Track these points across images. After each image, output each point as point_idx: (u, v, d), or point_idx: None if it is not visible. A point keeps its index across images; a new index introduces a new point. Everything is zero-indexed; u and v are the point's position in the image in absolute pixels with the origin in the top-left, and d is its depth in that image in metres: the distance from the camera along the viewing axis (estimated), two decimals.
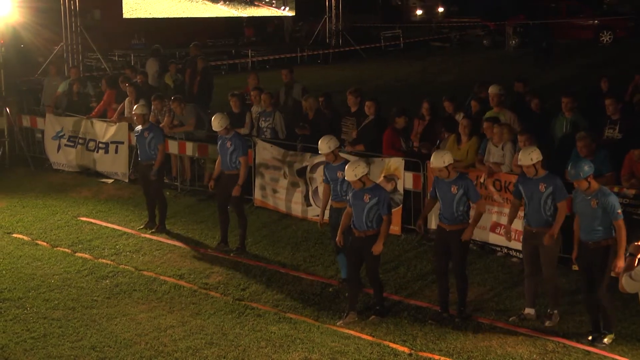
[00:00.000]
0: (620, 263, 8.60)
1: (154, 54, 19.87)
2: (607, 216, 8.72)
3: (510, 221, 10.07)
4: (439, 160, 9.62)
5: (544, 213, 9.42)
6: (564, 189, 9.38)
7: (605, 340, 8.86)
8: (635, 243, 7.14)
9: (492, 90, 12.91)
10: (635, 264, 6.98)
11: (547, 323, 9.51)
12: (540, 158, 9.43)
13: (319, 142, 10.76)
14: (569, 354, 8.83)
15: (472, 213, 9.81)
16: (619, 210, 8.72)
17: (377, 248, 9.63)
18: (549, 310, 9.61)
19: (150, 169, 13.05)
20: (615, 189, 10.45)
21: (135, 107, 13.70)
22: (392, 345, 9.10)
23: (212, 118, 12.36)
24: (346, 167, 9.79)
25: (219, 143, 12.34)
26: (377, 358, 8.84)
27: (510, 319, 9.62)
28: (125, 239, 12.81)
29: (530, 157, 9.38)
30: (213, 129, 12.44)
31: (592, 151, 10.70)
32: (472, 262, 11.32)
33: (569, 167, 8.93)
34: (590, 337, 9.01)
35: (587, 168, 8.73)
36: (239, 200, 12.30)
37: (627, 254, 7.14)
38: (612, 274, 8.73)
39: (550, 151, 11.39)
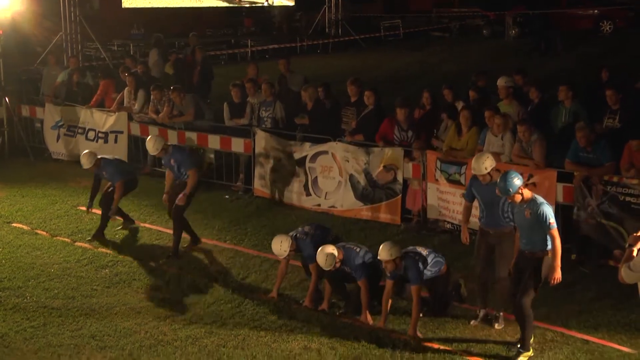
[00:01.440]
0: (557, 275, 8.35)
1: (156, 44, 19.82)
2: (542, 226, 8.41)
3: (465, 223, 9.68)
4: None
5: (502, 216, 9.18)
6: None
7: (520, 359, 8.50)
8: (634, 234, 7.15)
9: (499, 82, 12.85)
10: (634, 255, 7.00)
11: (496, 326, 9.26)
12: (494, 165, 9.17)
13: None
14: (568, 342, 8.86)
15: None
16: (552, 220, 8.35)
17: (367, 319, 9.48)
18: (495, 313, 9.34)
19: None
20: (615, 179, 10.48)
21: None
22: (391, 334, 9.13)
23: (146, 142, 11.94)
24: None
25: (164, 162, 12.22)
26: (376, 347, 8.85)
27: (472, 322, 9.35)
28: (125, 228, 12.80)
29: (484, 165, 9.11)
30: (150, 153, 12.26)
31: (590, 141, 10.70)
32: (470, 253, 11.32)
33: (498, 181, 8.58)
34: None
35: (516, 181, 8.40)
36: (181, 210, 11.76)
37: (626, 245, 7.16)
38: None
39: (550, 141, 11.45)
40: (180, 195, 11.57)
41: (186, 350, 8.88)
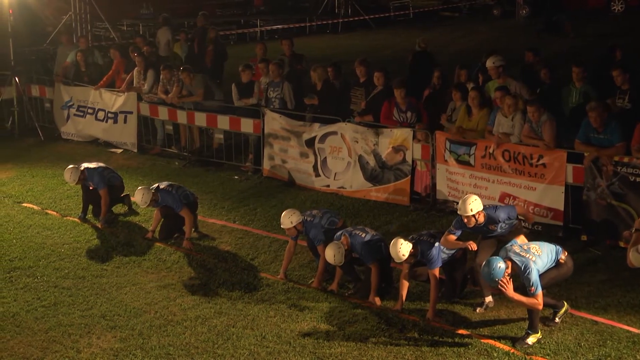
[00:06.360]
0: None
1: (165, 23, 19.77)
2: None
3: (462, 243, 9.26)
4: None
5: (500, 232, 9.28)
6: (509, 210, 9.32)
7: (529, 340, 8.47)
8: None
9: (488, 63, 12.63)
10: None
11: (478, 310, 9.25)
12: (480, 208, 9.05)
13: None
14: (577, 323, 8.85)
15: None
16: (533, 287, 8.28)
17: (375, 300, 9.50)
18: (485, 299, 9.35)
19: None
20: (625, 159, 10.43)
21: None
22: (400, 315, 9.14)
23: (135, 194, 11.45)
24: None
25: (155, 206, 11.63)
26: (385, 328, 8.87)
27: (477, 309, 9.27)
28: (134, 209, 12.83)
29: (470, 207, 9.02)
30: (141, 207, 11.66)
31: (604, 121, 10.63)
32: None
33: (482, 267, 8.44)
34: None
35: (501, 266, 8.25)
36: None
37: (633, 230, 7.16)
38: None
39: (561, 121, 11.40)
40: (185, 242, 11.36)
41: (196, 330, 8.93)
